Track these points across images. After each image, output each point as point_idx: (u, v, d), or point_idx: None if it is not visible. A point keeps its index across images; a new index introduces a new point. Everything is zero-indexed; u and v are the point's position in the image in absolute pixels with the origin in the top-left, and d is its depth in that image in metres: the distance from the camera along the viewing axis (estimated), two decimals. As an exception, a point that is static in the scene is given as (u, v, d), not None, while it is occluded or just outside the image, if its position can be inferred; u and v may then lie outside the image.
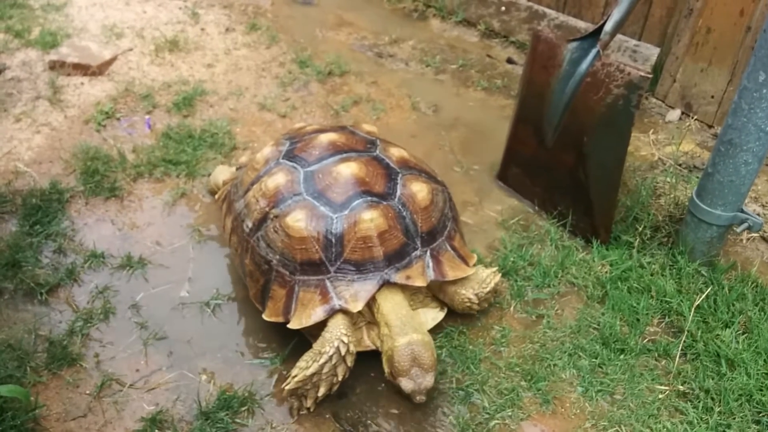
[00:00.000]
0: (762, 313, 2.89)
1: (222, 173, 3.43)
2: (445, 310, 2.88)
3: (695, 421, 2.57)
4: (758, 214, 3.27)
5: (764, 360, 2.72)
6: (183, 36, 4.71)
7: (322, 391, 2.53)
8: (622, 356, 2.80)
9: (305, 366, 2.51)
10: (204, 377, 2.73)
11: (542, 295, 3.07)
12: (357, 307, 2.58)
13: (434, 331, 2.81)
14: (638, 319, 2.92)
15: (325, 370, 2.49)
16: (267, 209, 2.75)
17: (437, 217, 2.83)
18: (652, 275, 3.08)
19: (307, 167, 2.80)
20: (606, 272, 3.13)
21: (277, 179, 2.80)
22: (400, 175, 2.84)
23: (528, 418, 2.61)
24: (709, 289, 2.95)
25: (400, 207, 2.73)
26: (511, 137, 3.55)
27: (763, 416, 2.56)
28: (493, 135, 3.95)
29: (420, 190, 2.80)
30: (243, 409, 2.61)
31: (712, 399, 2.63)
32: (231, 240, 2.99)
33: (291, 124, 4.01)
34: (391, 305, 2.64)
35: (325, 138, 2.92)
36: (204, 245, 3.27)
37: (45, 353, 2.74)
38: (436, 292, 2.88)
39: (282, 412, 2.62)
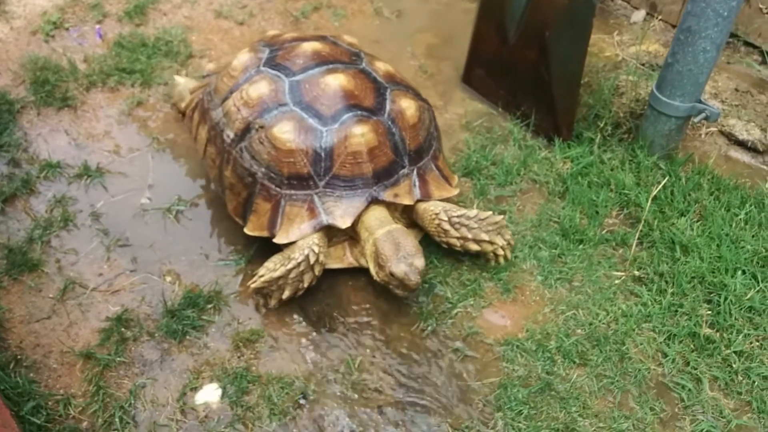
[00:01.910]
0: (717, 202, 2.97)
1: (187, 85, 3.27)
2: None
3: (649, 302, 2.66)
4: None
5: (717, 244, 2.81)
6: (132, -57, 4.47)
7: (286, 294, 2.55)
8: (581, 246, 2.87)
9: (273, 267, 2.52)
10: (169, 279, 2.74)
11: (505, 193, 3.09)
12: (345, 223, 2.53)
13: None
14: (597, 212, 2.98)
15: (292, 275, 2.50)
16: (250, 119, 2.62)
17: (424, 136, 2.75)
18: (611, 170, 3.12)
19: (292, 77, 2.66)
20: (567, 168, 3.16)
21: (260, 88, 2.65)
22: (388, 89, 2.72)
23: (489, 305, 2.68)
24: (665, 180, 3.00)
25: (389, 123, 2.63)
26: (474, 36, 3.49)
27: (714, 296, 2.66)
28: (457, 39, 3.86)
29: (409, 106, 2.70)
30: (209, 306, 2.64)
31: (666, 282, 2.72)
32: (207, 151, 2.84)
33: (249, 32, 3.89)
34: (373, 218, 2.59)
35: (309, 47, 2.76)
36: (163, 153, 3.21)
37: (4, 260, 2.71)
38: (410, 214, 2.79)
39: (248, 308, 2.65)
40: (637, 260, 2.81)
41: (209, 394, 2.40)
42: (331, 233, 2.64)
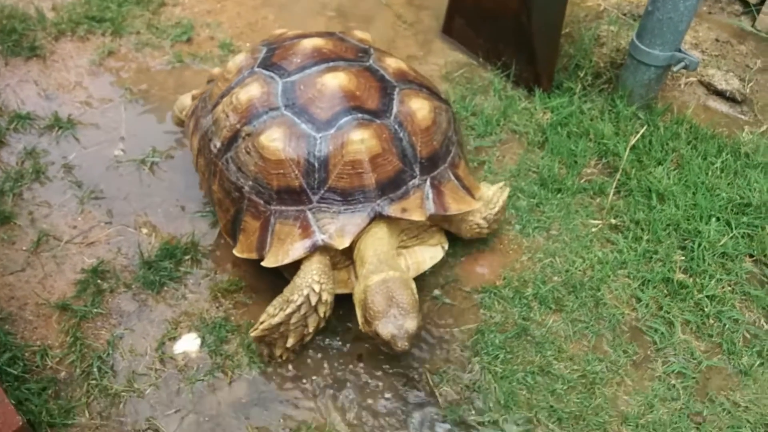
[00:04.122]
0: (694, 150, 2.98)
1: (187, 100, 2.95)
2: (446, 247, 2.57)
3: (625, 249, 2.69)
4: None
5: (693, 192, 2.83)
6: None
7: (290, 342, 2.27)
8: (559, 195, 2.88)
9: (272, 313, 2.24)
10: (145, 231, 2.71)
11: (484, 143, 3.08)
12: (343, 243, 2.22)
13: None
14: (576, 161, 2.98)
15: (294, 320, 2.22)
16: (238, 126, 2.35)
17: (439, 141, 2.43)
18: (591, 120, 3.11)
19: (287, 77, 2.38)
20: (547, 119, 3.15)
21: (251, 91, 2.37)
22: (397, 89, 2.41)
23: (468, 255, 2.69)
24: (644, 129, 3.00)
25: (396, 127, 2.32)
26: (454, -16, 3.42)
27: (689, 242, 2.70)
28: (437, -12, 3.79)
29: (420, 107, 2.38)
30: (186, 258, 2.62)
31: (642, 229, 2.75)
32: (198, 163, 2.60)
33: (224, -20, 3.78)
34: (371, 240, 2.30)
35: (309, 43, 2.48)
36: (136, 103, 3.14)
37: (-25, 212, 2.67)
38: (438, 221, 2.54)
39: (227, 259, 2.64)
40: (614, 209, 2.83)
41: (188, 344, 2.40)
42: (333, 257, 2.36)
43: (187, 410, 2.24)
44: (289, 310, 2.19)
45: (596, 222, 2.80)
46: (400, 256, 2.43)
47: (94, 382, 2.27)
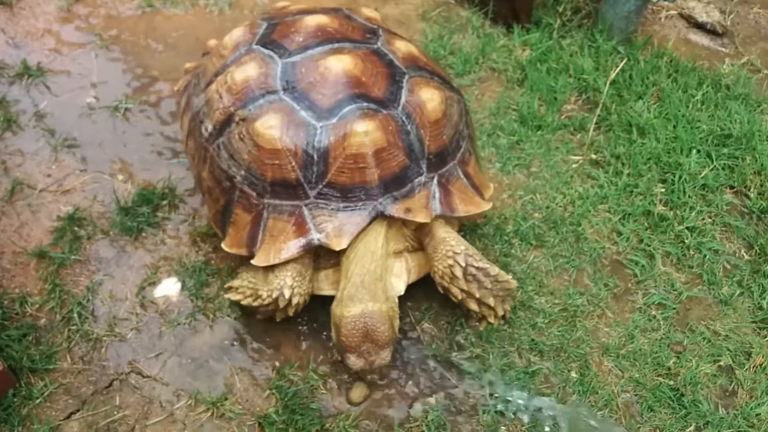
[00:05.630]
0: (674, 84, 2.96)
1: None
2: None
3: (606, 184, 2.69)
4: (679, -7, 3.24)
5: (673, 125, 2.82)
6: None
7: (259, 317, 2.30)
8: (539, 132, 2.85)
9: (243, 293, 2.20)
10: (121, 177, 2.67)
11: (463, 82, 3.04)
12: (341, 244, 2.06)
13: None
14: (556, 98, 2.95)
15: (261, 310, 2.22)
16: (232, 109, 2.17)
17: (450, 135, 2.23)
18: (570, 55, 3.08)
19: (287, 57, 2.19)
20: (526, 55, 3.10)
21: (247, 71, 2.19)
22: (406, 76, 2.21)
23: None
24: (623, 63, 2.97)
25: (403, 118, 2.13)
26: None
27: (669, 175, 2.70)
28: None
29: (431, 98, 2.17)
30: (164, 203, 2.59)
31: (623, 164, 2.74)
32: (188, 145, 2.42)
33: None
34: (362, 252, 2.12)
35: (313, 21, 2.28)
36: (106, 50, 3.06)
37: (-55, 163, 2.62)
38: (421, 234, 2.28)
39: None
40: (594, 144, 2.82)
41: (168, 288, 2.39)
42: (324, 254, 2.22)
43: (170, 353, 2.25)
44: (255, 304, 2.15)
45: (577, 158, 2.78)
46: (401, 258, 2.26)
47: (74, 327, 2.26)
